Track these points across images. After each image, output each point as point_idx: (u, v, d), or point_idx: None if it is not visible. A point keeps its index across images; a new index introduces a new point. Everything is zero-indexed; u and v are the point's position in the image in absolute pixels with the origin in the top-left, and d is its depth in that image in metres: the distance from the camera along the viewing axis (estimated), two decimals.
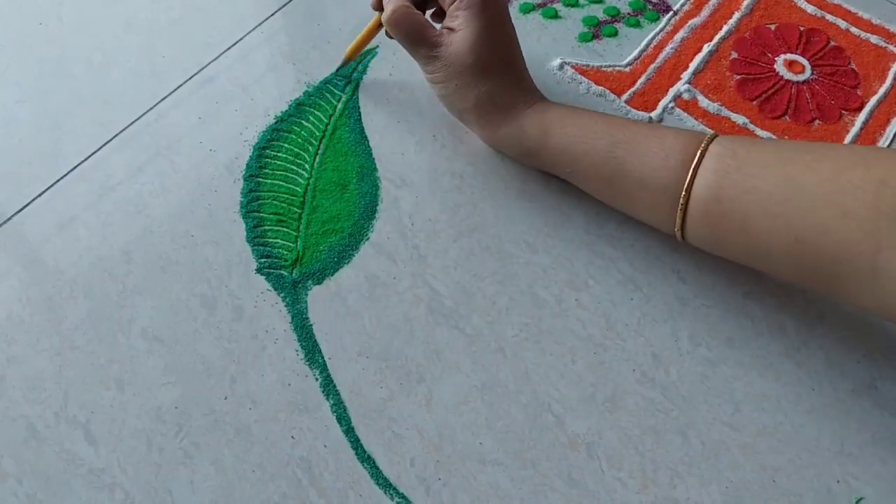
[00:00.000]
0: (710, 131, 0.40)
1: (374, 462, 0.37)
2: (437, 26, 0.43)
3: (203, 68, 0.50)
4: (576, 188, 0.44)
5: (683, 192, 0.37)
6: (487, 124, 0.43)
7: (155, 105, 0.48)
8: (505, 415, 0.38)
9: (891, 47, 0.51)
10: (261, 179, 0.45)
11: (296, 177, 0.45)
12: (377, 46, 0.51)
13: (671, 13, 0.53)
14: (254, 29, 0.52)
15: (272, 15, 0.53)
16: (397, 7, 0.42)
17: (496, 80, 0.42)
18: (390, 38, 0.44)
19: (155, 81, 0.49)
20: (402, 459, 0.37)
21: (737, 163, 0.36)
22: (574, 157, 0.41)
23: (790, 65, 0.50)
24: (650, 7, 0.53)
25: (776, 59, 0.51)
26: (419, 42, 0.42)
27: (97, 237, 0.43)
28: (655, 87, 0.49)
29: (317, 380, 0.39)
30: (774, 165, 0.35)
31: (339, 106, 0.48)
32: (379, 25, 0.45)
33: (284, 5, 0.53)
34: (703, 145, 0.37)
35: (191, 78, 0.50)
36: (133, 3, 0.54)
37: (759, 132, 0.47)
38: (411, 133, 0.47)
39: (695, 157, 0.37)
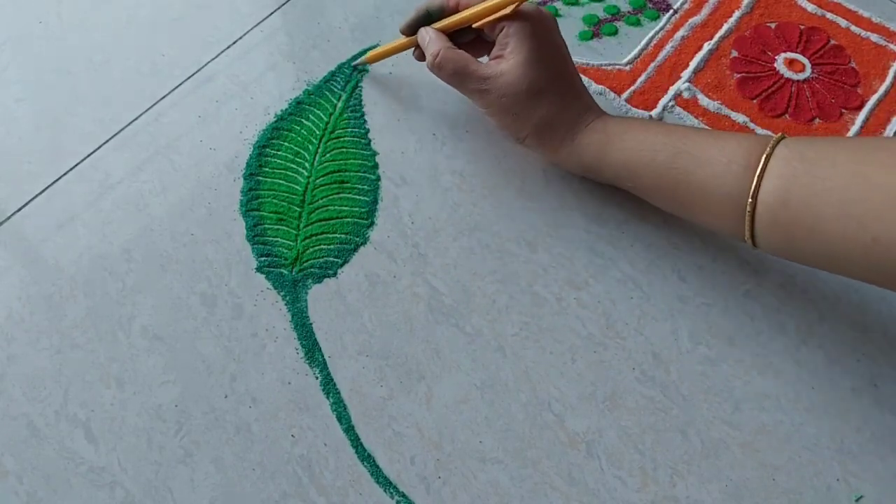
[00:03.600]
0: (775, 135, 0.38)
1: (374, 460, 0.37)
2: (483, 59, 0.43)
3: (203, 67, 0.50)
4: (576, 186, 0.44)
5: (750, 199, 0.35)
6: (549, 146, 0.42)
7: (155, 103, 0.48)
8: (505, 413, 0.38)
9: (891, 46, 0.51)
10: (261, 178, 0.45)
11: (296, 175, 0.45)
12: (377, 44, 0.51)
13: (671, 11, 0.53)
14: (254, 27, 0.52)
15: (272, 13, 0.53)
16: (438, 50, 0.42)
17: (553, 102, 0.41)
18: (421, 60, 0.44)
19: (155, 80, 0.49)
20: (402, 458, 0.37)
21: (805, 166, 0.34)
22: (635, 171, 0.40)
23: (790, 63, 0.50)
24: (650, 5, 0.53)
25: (776, 57, 0.51)
26: (466, 78, 0.42)
27: (97, 235, 0.43)
28: (656, 85, 0.49)
29: (317, 378, 0.39)
30: (845, 164, 0.33)
31: (339, 104, 0.48)
32: (405, 46, 0.46)
33: (284, 4, 0.53)
34: (768, 149, 0.36)
35: (191, 76, 0.49)
36: (133, 2, 0.54)
37: (759, 131, 0.47)
38: (411, 131, 0.47)
39: (760, 162, 0.35)
